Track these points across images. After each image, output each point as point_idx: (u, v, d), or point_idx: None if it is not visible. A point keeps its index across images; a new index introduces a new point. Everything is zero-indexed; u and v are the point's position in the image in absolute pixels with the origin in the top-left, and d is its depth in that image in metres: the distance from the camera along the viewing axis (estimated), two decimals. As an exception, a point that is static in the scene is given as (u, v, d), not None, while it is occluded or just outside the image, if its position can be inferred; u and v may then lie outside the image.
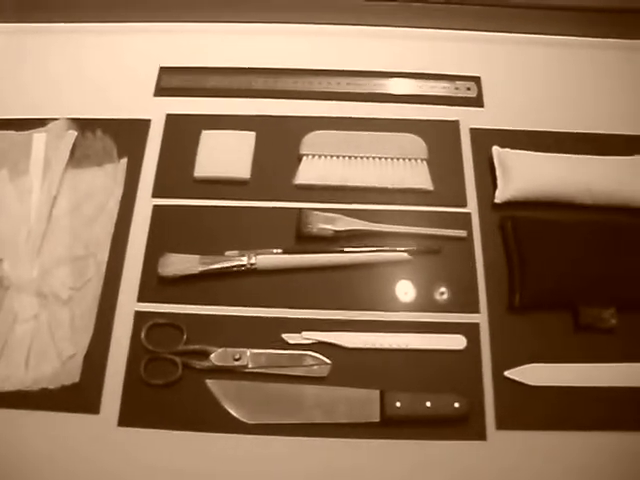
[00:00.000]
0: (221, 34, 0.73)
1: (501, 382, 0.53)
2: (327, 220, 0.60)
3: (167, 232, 0.60)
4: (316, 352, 0.54)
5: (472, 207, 0.62)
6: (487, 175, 0.63)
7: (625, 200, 0.61)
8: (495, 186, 0.62)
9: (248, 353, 0.54)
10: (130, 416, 0.52)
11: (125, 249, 0.59)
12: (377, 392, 0.52)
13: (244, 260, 0.57)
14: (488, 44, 0.73)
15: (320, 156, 0.63)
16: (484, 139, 0.65)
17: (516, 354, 0.54)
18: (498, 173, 0.62)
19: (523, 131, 0.66)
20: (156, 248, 0.59)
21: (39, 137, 0.64)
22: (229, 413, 0.52)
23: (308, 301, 0.57)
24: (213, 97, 0.68)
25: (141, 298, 0.57)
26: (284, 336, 0.55)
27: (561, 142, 0.65)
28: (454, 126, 0.66)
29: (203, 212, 0.61)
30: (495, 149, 0.64)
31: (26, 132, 0.65)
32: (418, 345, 0.55)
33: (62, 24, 0.73)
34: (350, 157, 0.63)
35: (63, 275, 0.57)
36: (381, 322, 0.56)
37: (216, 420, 0.52)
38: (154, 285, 0.57)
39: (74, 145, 0.64)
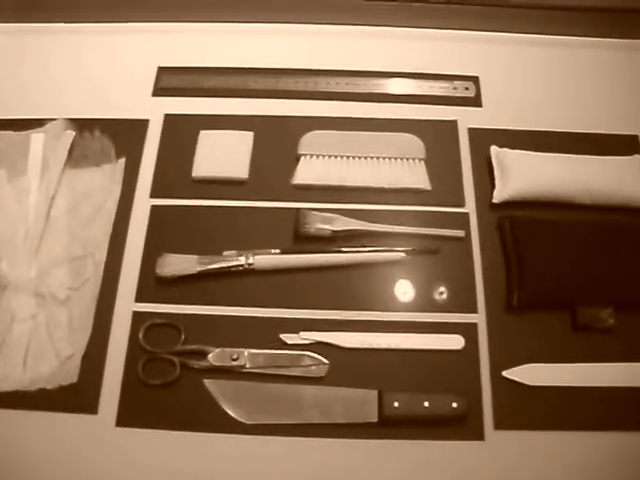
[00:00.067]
0: (219, 34, 0.73)
1: (499, 382, 0.53)
2: (325, 220, 0.60)
3: (165, 232, 0.60)
4: (314, 352, 0.54)
5: (470, 207, 0.62)
6: (485, 175, 0.63)
7: (624, 200, 0.61)
8: (493, 186, 0.62)
9: (246, 353, 0.54)
10: (128, 416, 0.52)
11: (123, 249, 0.59)
12: (375, 392, 0.52)
13: (242, 260, 0.57)
14: (486, 44, 0.73)
15: (318, 156, 0.63)
16: (482, 139, 0.65)
17: (514, 354, 0.54)
18: (496, 173, 0.62)
19: (521, 131, 0.66)
20: (154, 248, 0.59)
21: (37, 137, 0.64)
22: (227, 413, 0.52)
23: (306, 301, 0.57)
24: (211, 97, 0.68)
25: (139, 298, 0.57)
26: (282, 336, 0.55)
27: (560, 142, 0.65)
28: (452, 126, 0.66)
29: (201, 212, 0.61)
30: (493, 149, 0.64)
31: (24, 132, 0.65)
32: (416, 345, 0.55)
33: (60, 24, 0.73)
34: (348, 157, 0.63)
35: (61, 275, 0.57)
36: (379, 322, 0.56)
37: (214, 420, 0.52)
38: (152, 285, 0.57)
39: (72, 145, 0.64)
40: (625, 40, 0.73)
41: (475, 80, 0.70)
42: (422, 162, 0.63)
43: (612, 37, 0.73)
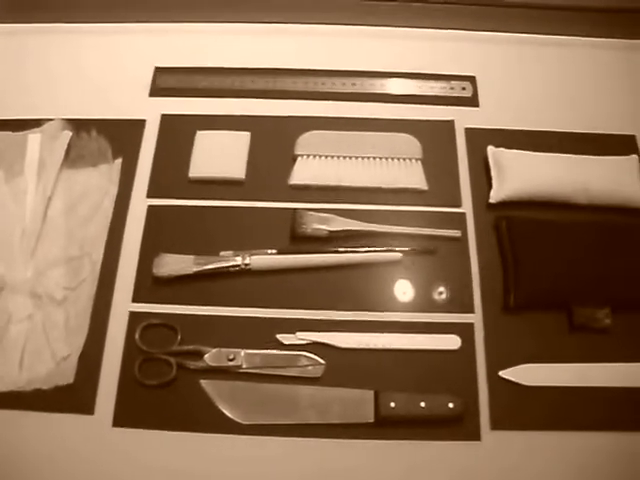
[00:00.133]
0: (216, 34, 0.73)
1: (495, 382, 0.53)
2: (322, 220, 0.60)
3: (162, 232, 0.60)
4: (310, 352, 0.54)
5: (467, 207, 0.62)
6: (482, 175, 0.63)
7: (621, 200, 0.61)
8: (490, 186, 0.62)
9: (242, 353, 0.54)
10: (124, 417, 0.52)
11: (120, 249, 0.59)
12: (371, 392, 0.52)
13: (238, 260, 0.57)
14: (483, 44, 0.73)
15: (315, 156, 0.63)
16: (479, 139, 0.65)
17: (510, 354, 0.54)
18: (493, 173, 0.62)
19: (518, 131, 0.66)
20: (151, 248, 0.59)
21: (34, 138, 0.64)
22: (223, 413, 0.52)
23: (302, 301, 0.57)
24: (208, 97, 0.68)
25: (136, 298, 0.57)
26: (278, 336, 0.55)
27: (557, 142, 0.65)
28: (449, 126, 0.66)
29: (198, 212, 0.61)
30: (490, 149, 0.64)
31: (21, 133, 0.65)
32: (412, 345, 0.55)
33: (57, 24, 0.73)
34: (345, 157, 0.63)
35: (58, 275, 0.57)
36: (375, 322, 0.56)
37: (210, 420, 0.52)
38: (149, 285, 0.57)
39: (69, 145, 0.64)
40: (622, 40, 0.73)
41: (472, 80, 0.70)
42: (419, 162, 0.63)
43: (609, 37, 0.73)
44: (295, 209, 0.60)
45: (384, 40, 0.73)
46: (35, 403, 0.52)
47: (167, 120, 0.67)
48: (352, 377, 0.53)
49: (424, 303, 0.57)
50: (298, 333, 0.55)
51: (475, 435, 0.52)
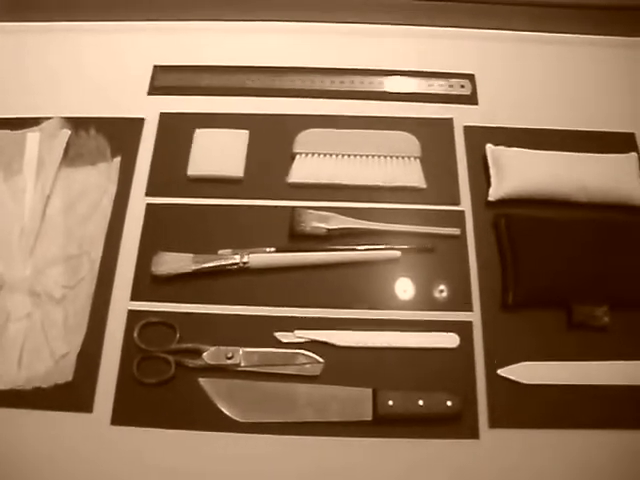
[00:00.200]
0: (215, 32, 0.73)
1: (494, 380, 0.53)
2: (320, 218, 0.60)
3: (160, 231, 0.60)
4: (309, 351, 0.54)
5: (465, 205, 0.62)
6: (481, 173, 0.63)
7: (620, 198, 0.61)
8: (489, 184, 0.62)
9: (241, 352, 0.54)
10: (123, 415, 0.52)
11: (118, 248, 0.59)
12: (369, 391, 0.52)
13: (237, 259, 0.57)
14: (482, 41, 0.72)
15: (313, 154, 0.63)
16: (478, 137, 0.65)
17: (509, 352, 0.54)
18: (492, 171, 0.62)
19: (517, 129, 0.66)
20: (149, 247, 0.59)
21: (33, 136, 0.64)
22: (222, 411, 0.52)
23: (301, 300, 0.57)
24: (207, 96, 0.68)
25: (134, 297, 0.57)
26: (277, 335, 0.55)
27: (556, 140, 0.65)
28: (448, 124, 0.66)
29: (196, 211, 0.61)
30: (489, 147, 0.63)
31: (20, 131, 0.65)
32: (411, 343, 0.55)
33: (56, 23, 0.73)
34: (343, 155, 0.63)
35: (56, 274, 0.57)
36: (374, 320, 0.56)
37: (209, 418, 0.52)
38: (147, 284, 0.57)
39: (68, 144, 0.64)
40: (621, 37, 0.72)
41: (471, 78, 0.70)
42: (417, 160, 0.63)
43: (608, 34, 0.72)
44: (294, 207, 0.60)
45: (382, 38, 0.73)
46: (34, 401, 0.52)
47: (166, 118, 0.67)
48: (350, 375, 0.53)
49: (423, 301, 0.57)
50: (296, 331, 0.55)
51: (473, 433, 0.52)
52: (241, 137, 0.65)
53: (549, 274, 0.57)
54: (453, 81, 0.69)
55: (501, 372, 0.54)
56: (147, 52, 0.72)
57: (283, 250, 0.58)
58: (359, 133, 0.64)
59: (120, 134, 0.65)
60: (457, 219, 0.61)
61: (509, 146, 0.63)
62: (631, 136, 0.66)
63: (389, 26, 0.73)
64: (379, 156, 0.63)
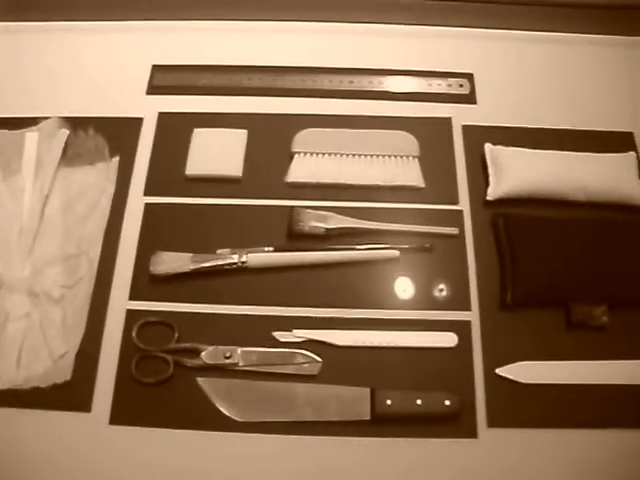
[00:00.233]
0: (213, 32, 0.73)
1: (492, 380, 0.53)
2: (319, 218, 0.60)
3: (159, 230, 0.60)
4: (307, 350, 0.54)
5: (464, 204, 0.62)
6: (479, 172, 0.63)
7: (618, 197, 0.61)
8: (487, 183, 0.62)
9: (239, 351, 0.54)
10: (122, 414, 0.52)
11: (117, 247, 0.59)
12: (368, 390, 0.52)
13: (235, 258, 0.57)
14: (481, 41, 0.72)
15: (312, 154, 0.63)
16: (476, 136, 0.65)
17: (508, 352, 0.54)
18: (490, 170, 0.62)
19: (516, 128, 0.66)
20: (148, 246, 0.59)
21: (31, 136, 0.64)
22: (220, 411, 0.52)
23: (299, 299, 0.57)
24: (205, 95, 0.68)
25: (133, 296, 0.57)
26: (275, 334, 0.55)
27: (554, 139, 0.65)
28: (446, 123, 0.66)
29: (195, 210, 0.61)
30: (487, 146, 0.63)
31: (18, 131, 0.65)
32: (409, 343, 0.55)
33: (54, 22, 0.73)
34: (342, 155, 0.63)
35: (55, 274, 0.57)
36: (372, 320, 0.56)
37: (207, 418, 0.52)
38: (146, 283, 0.57)
39: (66, 144, 0.64)
40: (620, 37, 0.72)
41: (469, 77, 0.70)
42: (416, 159, 0.63)
43: (608, 34, 0.72)
44: (292, 207, 0.60)
45: (381, 38, 0.73)
46: (32, 401, 0.52)
47: (164, 118, 0.67)
48: (348, 375, 0.53)
49: (421, 301, 0.57)
50: (295, 331, 0.55)
51: (472, 433, 0.52)
52: (239, 137, 0.65)
53: (547, 273, 0.57)
54: (452, 80, 0.69)
55: (499, 371, 0.54)
56: (145, 52, 0.72)
57: (281, 250, 0.58)
58: (357, 132, 0.64)
59: (119, 134, 0.65)
60: (456, 218, 0.61)
61: (508, 145, 0.63)
62: (629, 135, 0.66)
63: (388, 26, 0.73)
64: (377, 155, 0.63)
